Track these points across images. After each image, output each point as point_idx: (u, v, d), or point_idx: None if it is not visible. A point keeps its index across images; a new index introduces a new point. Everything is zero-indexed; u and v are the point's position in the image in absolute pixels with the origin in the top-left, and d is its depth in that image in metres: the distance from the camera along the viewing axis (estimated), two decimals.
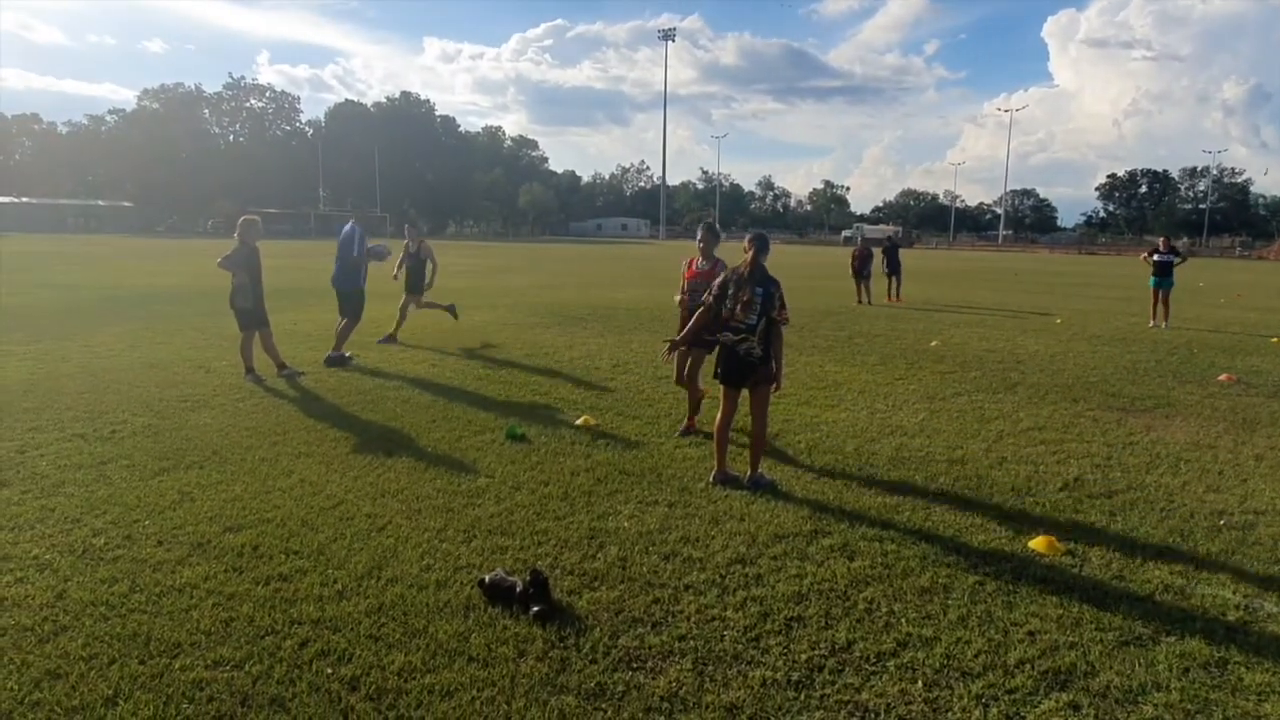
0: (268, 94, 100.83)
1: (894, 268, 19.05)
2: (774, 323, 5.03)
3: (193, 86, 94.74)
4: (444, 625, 3.40)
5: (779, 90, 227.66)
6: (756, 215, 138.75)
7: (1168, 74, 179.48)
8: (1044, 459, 5.91)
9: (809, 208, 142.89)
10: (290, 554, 4.07)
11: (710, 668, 3.14)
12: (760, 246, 5.08)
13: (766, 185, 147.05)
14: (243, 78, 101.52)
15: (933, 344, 11.18)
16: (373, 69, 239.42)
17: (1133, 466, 5.79)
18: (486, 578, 3.65)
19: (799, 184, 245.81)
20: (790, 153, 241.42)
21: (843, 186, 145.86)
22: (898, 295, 18.69)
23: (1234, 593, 3.86)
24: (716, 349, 5.29)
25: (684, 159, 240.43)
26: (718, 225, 7.39)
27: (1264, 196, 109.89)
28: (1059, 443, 6.37)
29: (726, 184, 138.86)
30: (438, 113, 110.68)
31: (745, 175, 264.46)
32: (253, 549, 4.12)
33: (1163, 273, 15.01)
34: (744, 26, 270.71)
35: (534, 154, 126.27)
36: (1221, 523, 4.74)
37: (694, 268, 6.32)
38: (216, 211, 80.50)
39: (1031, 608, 3.65)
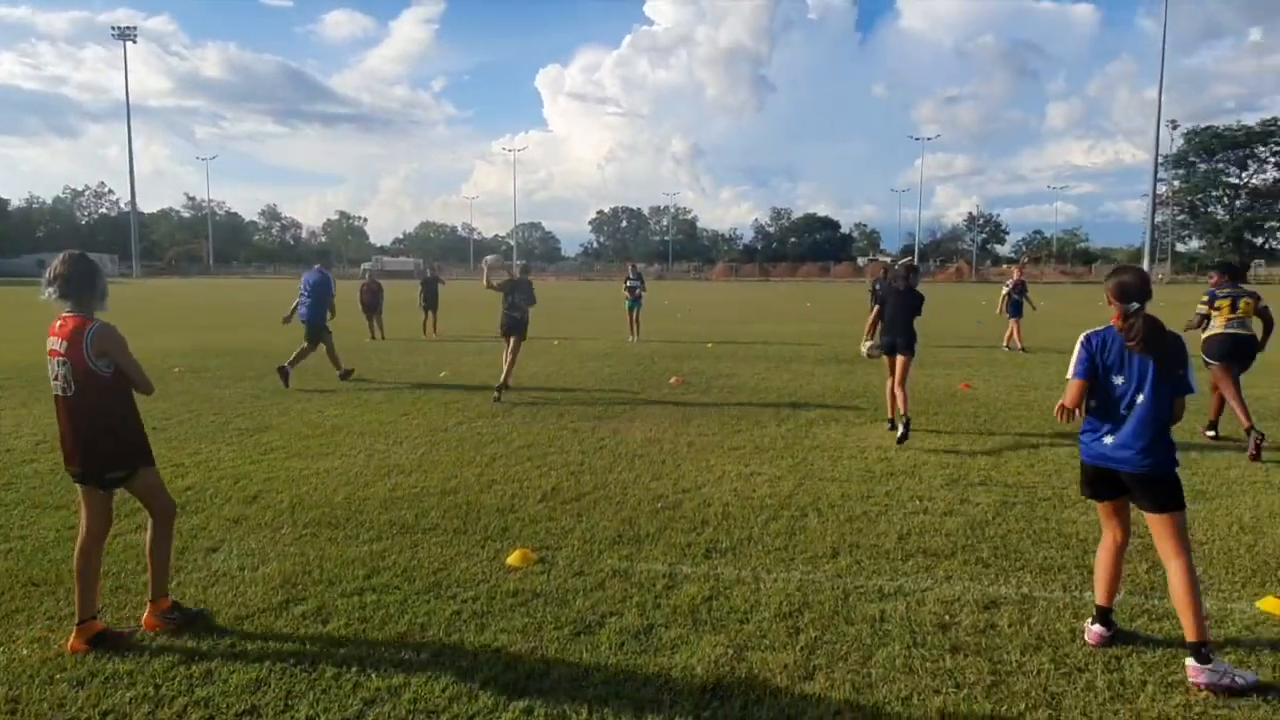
0: None
1: (432, 301, 19.19)
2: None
3: None
4: None
5: (279, 112, 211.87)
6: (262, 247, 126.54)
7: (634, 128, 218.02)
8: (529, 474, 6.44)
9: (324, 239, 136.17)
10: None
11: None
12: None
13: (272, 214, 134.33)
14: None
15: (441, 375, 11.51)
16: None
17: (600, 468, 6.67)
18: None
19: (311, 214, 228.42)
20: (299, 179, 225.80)
21: (360, 217, 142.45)
22: (435, 329, 18.87)
23: (662, 563, 4.64)
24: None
25: (163, 182, 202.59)
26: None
27: (707, 231, 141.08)
28: (543, 456, 7.03)
29: (221, 212, 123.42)
30: None
31: (245, 203, 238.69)
32: None
33: (633, 295, 18.15)
34: (228, 36, 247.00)
35: None
36: (659, 505, 5.71)
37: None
38: None
39: (502, 624, 3.85)
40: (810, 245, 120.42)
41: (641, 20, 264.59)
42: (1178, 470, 3.55)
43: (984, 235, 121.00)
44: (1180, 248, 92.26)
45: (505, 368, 10.10)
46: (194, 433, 7.92)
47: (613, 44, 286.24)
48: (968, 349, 15.99)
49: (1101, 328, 3.70)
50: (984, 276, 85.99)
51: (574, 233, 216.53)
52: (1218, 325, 7.53)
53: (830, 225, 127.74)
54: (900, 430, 7.56)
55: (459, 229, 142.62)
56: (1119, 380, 3.58)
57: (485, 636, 3.72)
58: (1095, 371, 3.62)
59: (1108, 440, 3.59)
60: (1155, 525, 3.53)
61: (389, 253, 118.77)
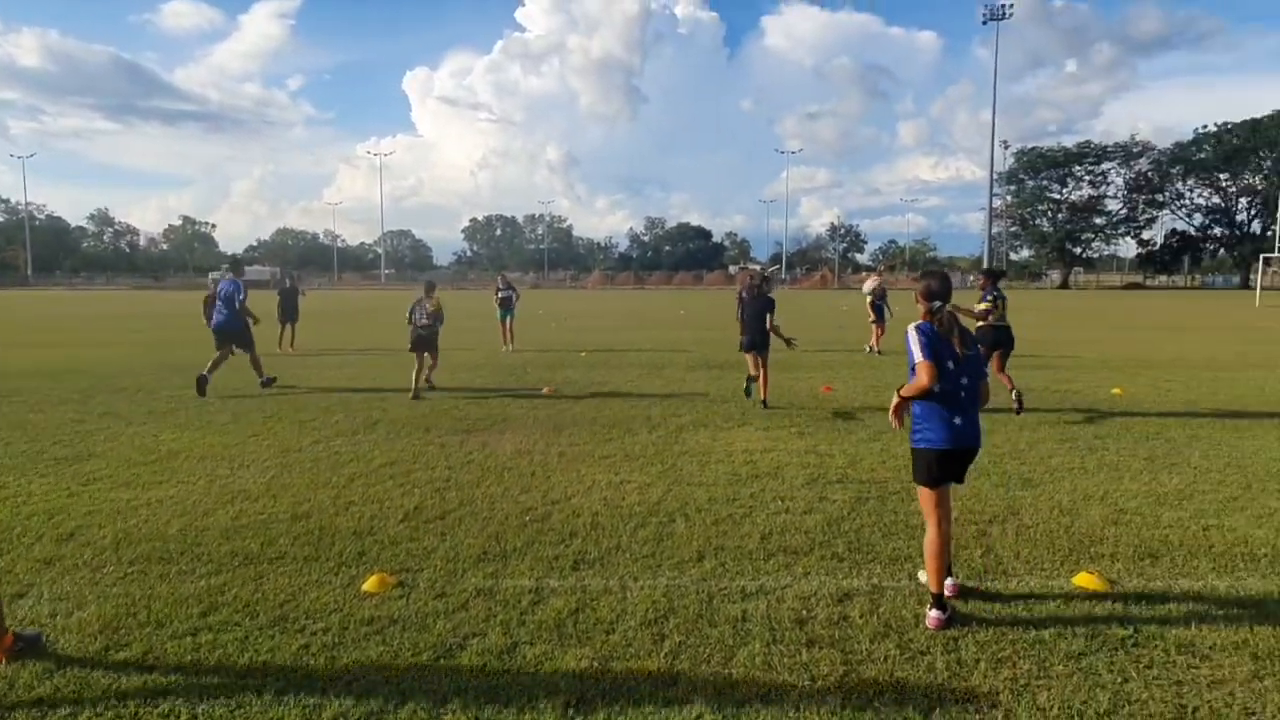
0: None
1: (290, 313, 17.91)
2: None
3: None
4: None
5: (111, 107, 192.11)
6: (92, 255, 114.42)
7: (507, 135, 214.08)
8: (390, 494, 6.16)
9: (165, 247, 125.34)
10: None
11: None
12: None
13: (104, 219, 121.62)
14: None
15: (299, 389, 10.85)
16: None
17: (466, 483, 6.47)
18: None
19: (152, 219, 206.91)
20: (136, 181, 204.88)
21: (207, 224, 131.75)
22: (293, 343, 17.69)
23: (529, 578, 4.54)
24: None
25: None
26: None
27: (582, 239, 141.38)
28: (407, 474, 6.74)
29: (41, 217, 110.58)
30: None
31: (71, 206, 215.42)
32: None
33: (505, 305, 17.85)
34: (48, 22, 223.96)
35: None
36: (527, 518, 5.61)
37: None
38: None
39: (355, 654, 3.64)
40: (684, 254, 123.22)
41: (513, 26, 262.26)
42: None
43: (845, 244, 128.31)
44: (1014, 256, 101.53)
45: (417, 375, 11.05)
46: None
47: (484, 49, 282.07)
48: (829, 353, 16.82)
49: (921, 320, 4.10)
50: (846, 283, 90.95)
51: (447, 240, 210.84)
52: (991, 319, 9.57)
53: (703, 234, 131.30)
54: (760, 400, 10.00)
55: (321, 236, 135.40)
56: (951, 365, 3.96)
57: (336, 669, 3.50)
58: (938, 354, 3.95)
59: (958, 421, 3.94)
60: (949, 493, 4.12)
61: (244, 261, 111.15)
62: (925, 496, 4.08)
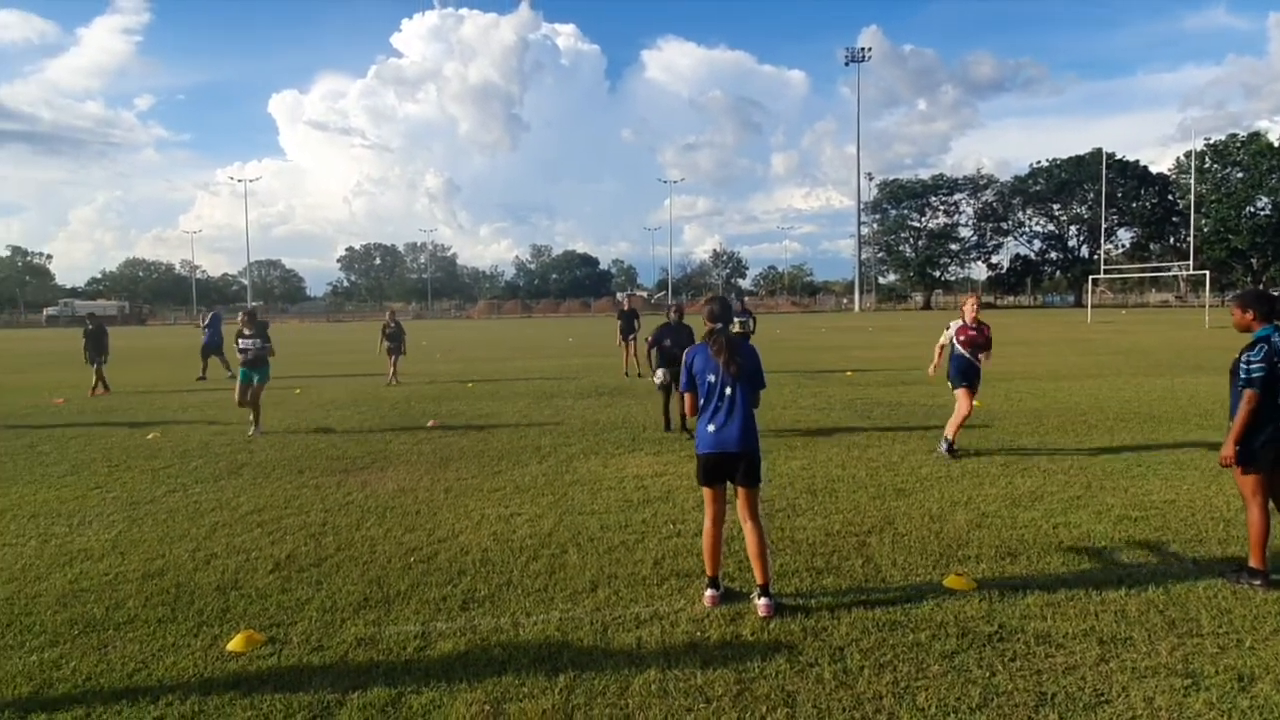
0: None
1: (100, 350, 15.83)
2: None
3: None
4: None
5: None
6: None
7: (384, 162, 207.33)
8: (259, 543, 5.73)
9: None
10: None
11: None
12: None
13: None
14: None
15: (150, 437, 9.98)
16: None
17: (344, 527, 6.12)
18: None
19: None
20: None
21: (42, 254, 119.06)
22: (105, 386, 16.01)
23: (414, 623, 4.32)
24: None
25: None
26: None
27: (467, 268, 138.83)
28: (277, 521, 6.31)
29: None
30: None
31: None
32: None
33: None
34: None
35: None
36: (412, 559, 5.35)
37: None
38: None
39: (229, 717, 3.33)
40: (571, 281, 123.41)
41: (388, 51, 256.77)
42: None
43: (728, 270, 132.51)
44: (881, 280, 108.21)
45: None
46: None
47: (357, 73, 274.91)
48: None
49: (698, 344, 4.63)
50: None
51: (321, 270, 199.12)
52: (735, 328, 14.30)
53: (590, 262, 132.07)
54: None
55: (178, 267, 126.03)
56: (711, 379, 4.43)
57: None
58: (693, 380, 4.49)
59: (710, 429, 4.38)
60: (744, 495, 4.49)
61: (84, 295, 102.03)
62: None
